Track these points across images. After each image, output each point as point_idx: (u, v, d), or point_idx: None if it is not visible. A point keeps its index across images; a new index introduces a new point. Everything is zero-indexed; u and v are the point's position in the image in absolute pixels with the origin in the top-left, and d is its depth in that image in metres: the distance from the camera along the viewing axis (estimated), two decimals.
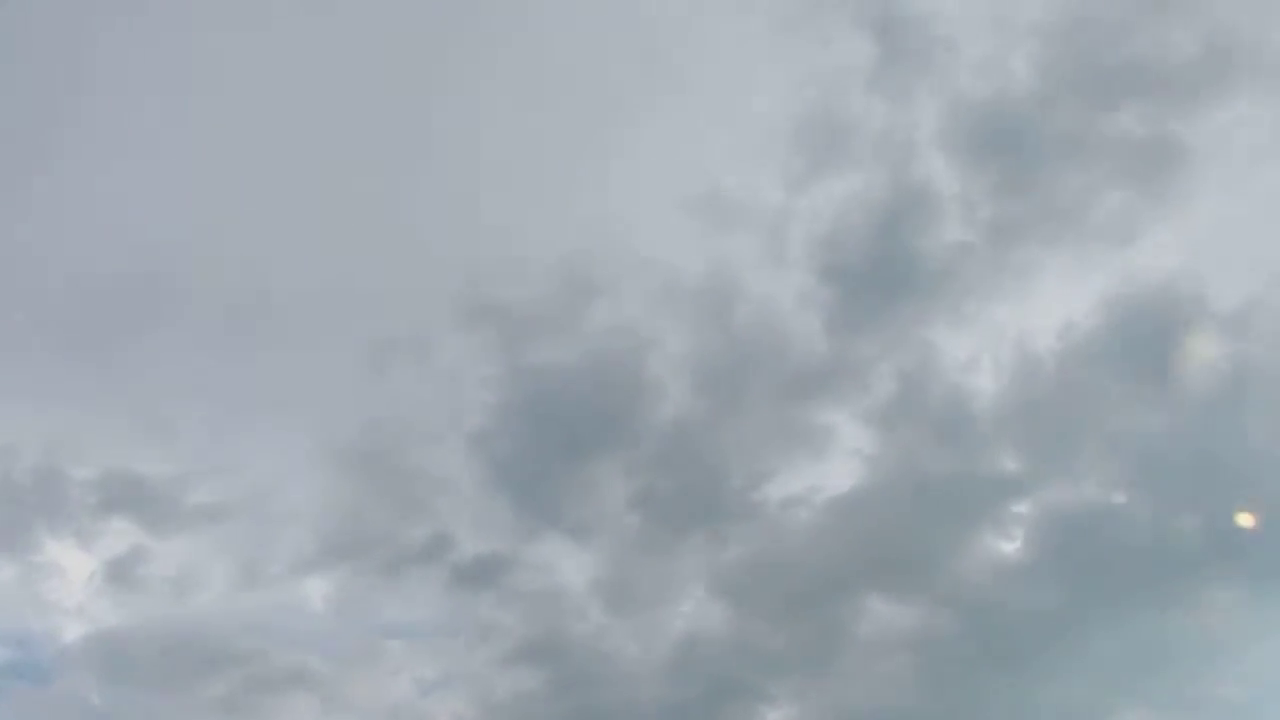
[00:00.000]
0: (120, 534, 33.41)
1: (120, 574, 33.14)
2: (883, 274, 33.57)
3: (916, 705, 30.52)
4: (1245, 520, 29.27)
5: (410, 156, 37.96)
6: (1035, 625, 29.97)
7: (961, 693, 30.33)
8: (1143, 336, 31.22)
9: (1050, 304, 33.06)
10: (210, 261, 36.77)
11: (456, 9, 38.67)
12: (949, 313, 33.50)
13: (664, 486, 33.71)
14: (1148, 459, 31.13)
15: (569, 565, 33.62)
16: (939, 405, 33.11)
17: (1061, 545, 31.03)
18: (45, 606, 33.30)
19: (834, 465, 33.64)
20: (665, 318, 34.60)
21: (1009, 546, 31.95)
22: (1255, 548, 28.76)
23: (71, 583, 33.21)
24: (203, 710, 31.94)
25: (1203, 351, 31.13)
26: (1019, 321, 32.96)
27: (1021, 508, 32.05)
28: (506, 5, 38.45)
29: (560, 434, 34.12)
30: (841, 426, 33.73)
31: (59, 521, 33.05)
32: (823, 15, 33.24)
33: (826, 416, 33.92)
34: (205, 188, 38.31)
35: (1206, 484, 29.67)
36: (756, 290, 34.23)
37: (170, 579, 33.70)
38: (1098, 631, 29.46)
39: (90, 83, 38.25)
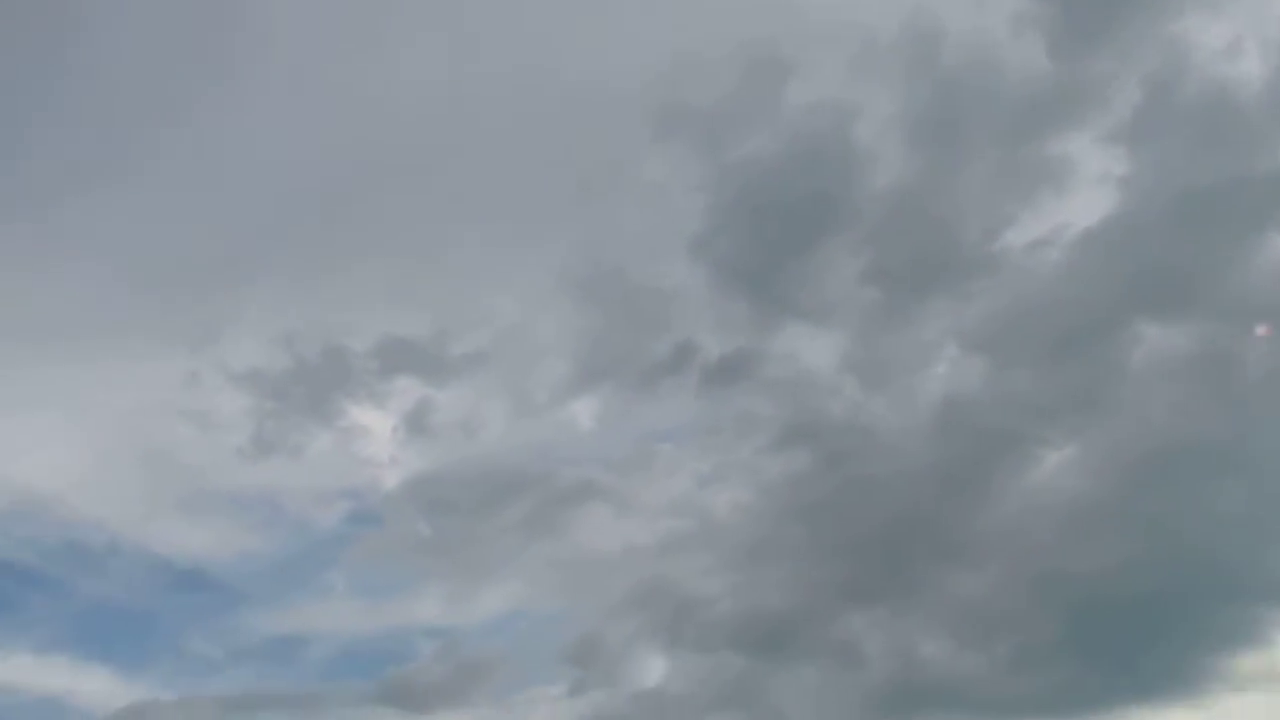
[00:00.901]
0: (405, 391, 37.31)
1: (415, 424, 37.28)
2: None
3: (1208, 430, 28.91)
4: None
5: None
6: None
7: (1260, 409, 28.40)
8: None
9: None
10: (429, 140, 38.80)
11: None
12: None
13: (895, 255, 32.77)
14: None
15: (814, 349, 34.01)
16: (1197, 105, 29.54)
17: None
18: (364, 462, 38.23)
19: (1080, 198, 31.51)
20: (865, 83, 32.70)
21: None
22: None
23: (378, 439, 37.74)
24: (511, 529, 36.09)
25: None
26: None
27: None
28: None
29: (779, 223, 33.71)
30: (1082, 154, 31.33)
31: (353, 389, 37.29)
32: None
33: (1063, 146, 31.53)
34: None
35: None
36: (961, 27, 31.44)
37: (457, 422, 37.53)
38: None
39: None
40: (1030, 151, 31.88)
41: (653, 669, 34.91)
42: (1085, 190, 31.27)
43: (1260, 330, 28.78)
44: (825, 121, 32.77)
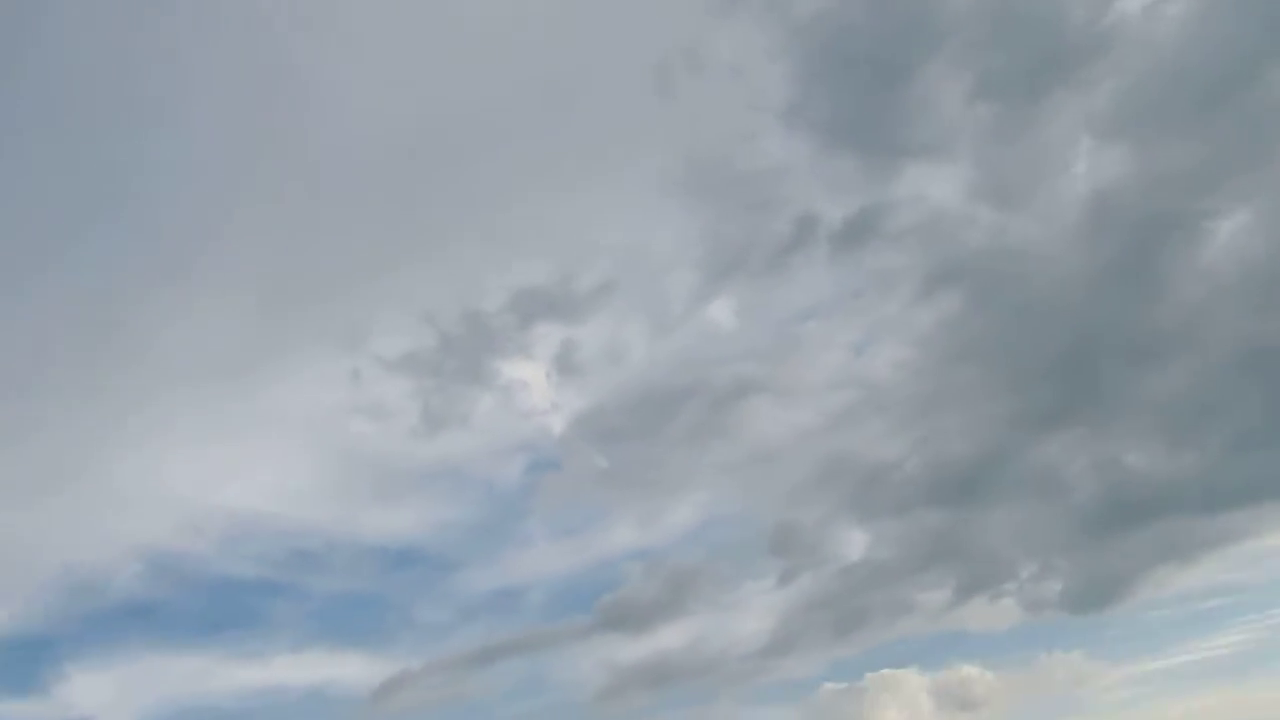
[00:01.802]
0: (547, 337, 38.05)
1: (564, 366, 38.06)
2: None
3: None
4: None
5: None
6: None
7: None
8: None
9: None
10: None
11: None
12: None
13: (999, 62, 30.43)
14: None
15: (938, 186, 32.41)
16: None
17: None
18: (528, 414, 39.43)
19: None
20: None
21: None
22: None
23: (535, 388, 38.79)
24: (682, 442, 36.62)
25: None
26: None
27: None
28: None
29: (867, 66, 31.90)
30: None
31: (499, 347, 38.30)
32: None
33: None
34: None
35: None
36: None
37: (602, 353, 38.09)
38: None
39: None
40: None
41: (854, 542, 35.04)
42: None
43: None
44: None
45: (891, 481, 34.12)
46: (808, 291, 35.80)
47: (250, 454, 40.39)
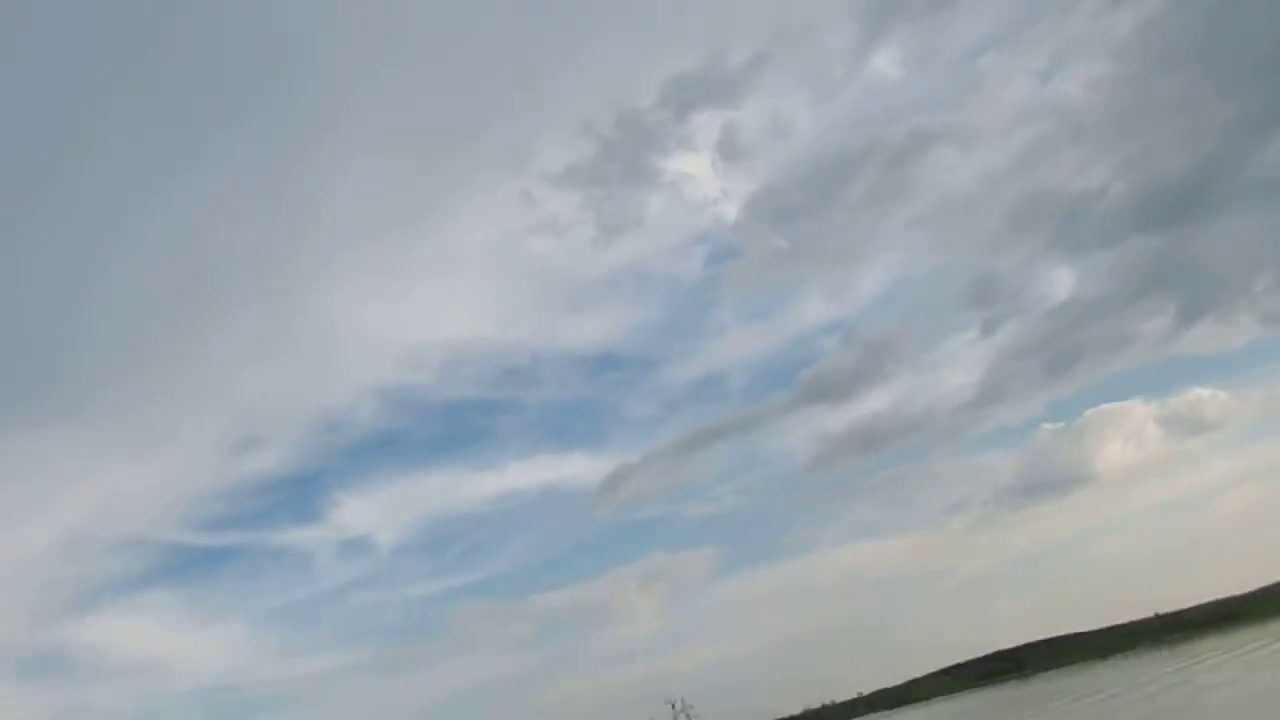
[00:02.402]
0: (706, 124, 37.08)
1: (729, 151, 37.38)
2: None
3: None
4: None
5: None
6: None
7: None
8: None
9: None
10: None
11: None
12: None
13: None
14: None
15: None
16: None
17: None
18: (700, 205, 39.28)
19: None
20: None
21: None
22: None
23: (703, 179, 38.18)
24: (862, 207, 35.39)
25: None
26: None
27: None
28: None
29: None
30: None
31: (660, 143, 37.64)
32: None
33: None
34: None
35: None
36: None
37: (765, 131, 36.69)
38: None
39: None
40: None
41: (1059, 282, 33.28)
42: None
43: None
44: None
45: (1095, 212, 31.72)
46: (979, 22, 32.55)
47: (444, 288, 42.98)
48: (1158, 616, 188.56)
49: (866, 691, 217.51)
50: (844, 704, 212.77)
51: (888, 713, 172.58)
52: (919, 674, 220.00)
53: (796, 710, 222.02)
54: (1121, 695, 52.47)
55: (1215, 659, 64.84)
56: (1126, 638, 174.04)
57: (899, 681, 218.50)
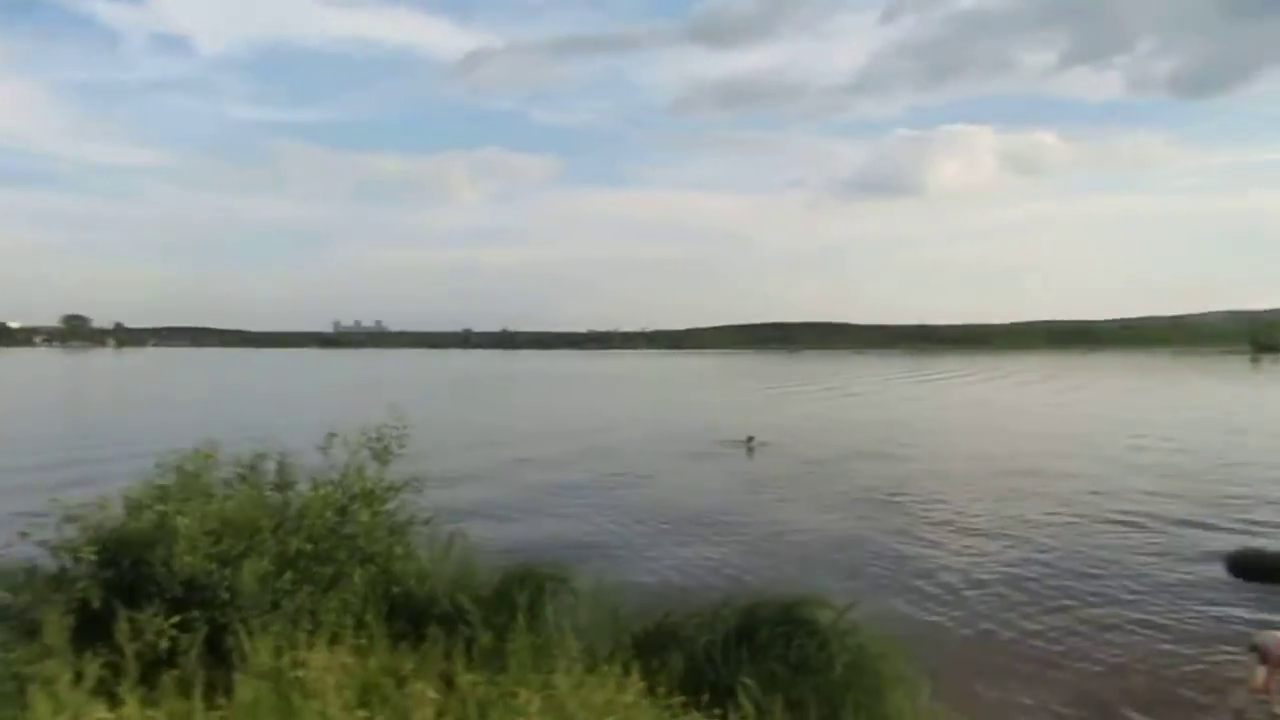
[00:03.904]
0: None
1: None
2: None
3: None
4: None
5: None
6: None
7: None
8: None
9: None
10: None
11: None
12: None
13: None
14: None
15: None
16: None
17: None
18: None
19: None
20: None
21: None
22: None
23: None
24: None
25: None
26: None
27: None
28: None
29: None
30: None
31: None
32: None
33: None
34: None
35: None
36: None
37: None
38: None
39: None
40: None
41: None
42: None
43: None
44: None
45: None
46: None
47: None
48: (921, 326, 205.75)
49: (649, 330, 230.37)
50: (626, 334, 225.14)
51: (664, 351, 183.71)
52: (702, 326, 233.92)
53: (582, 330, 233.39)
54: (853, 384, 55.14)
55: (946, 376, 69.18)
56: (890, 339, 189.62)
57: (681, 327, 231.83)
